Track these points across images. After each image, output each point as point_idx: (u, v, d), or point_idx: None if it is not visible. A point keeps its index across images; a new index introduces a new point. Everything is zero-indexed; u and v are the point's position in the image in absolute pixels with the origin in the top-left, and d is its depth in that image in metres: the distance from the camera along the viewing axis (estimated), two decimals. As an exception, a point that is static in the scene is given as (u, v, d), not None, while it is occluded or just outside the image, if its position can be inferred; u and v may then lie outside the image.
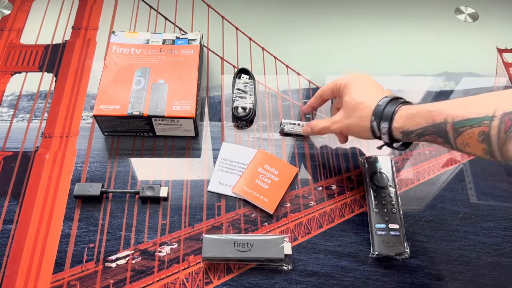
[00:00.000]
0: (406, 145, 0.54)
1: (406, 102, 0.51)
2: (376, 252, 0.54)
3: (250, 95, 0.69)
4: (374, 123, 0.51)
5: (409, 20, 0.85)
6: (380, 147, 0.56)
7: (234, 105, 0.68)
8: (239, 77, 0.71)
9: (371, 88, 0.54)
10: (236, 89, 0.69)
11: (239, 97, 0.69)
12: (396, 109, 0.50)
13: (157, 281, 0.53)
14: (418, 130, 0.48)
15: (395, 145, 0.53)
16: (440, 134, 0.46)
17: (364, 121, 0.52)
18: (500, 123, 0.41)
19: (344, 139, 0.62)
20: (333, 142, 0.67)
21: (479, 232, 0.59)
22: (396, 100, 0.51)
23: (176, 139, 0.66)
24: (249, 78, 0.71)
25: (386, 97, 0.52)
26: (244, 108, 0.68)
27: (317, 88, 0.73)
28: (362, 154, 0.65)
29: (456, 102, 0.46)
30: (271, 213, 0.59)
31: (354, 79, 0.56)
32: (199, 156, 0.64)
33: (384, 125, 0.50)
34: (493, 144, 0.42)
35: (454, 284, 0.54)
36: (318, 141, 0.67)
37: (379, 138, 0.52)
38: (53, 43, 0.77)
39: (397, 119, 0.49)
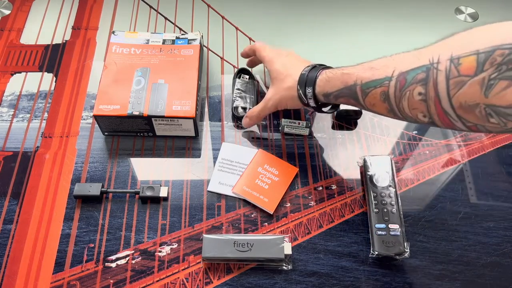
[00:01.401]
0: (334, 107, 0.59)
1: (327, 67, 0.55)
2: (376, 252, 0.54)
3: (250, 95, 0.69)
4: (300, 91, 0.55)
5: (409, 20, 0.85)
6: (321, 111, 0.59)
7: (234, 105, 0.68)
8: (239, 77, 0.71)
9: (295, 61, 0.59)
10: (236, 89, 0.69)
11: (239, 97, 0.68)
12: (318, 74, 0.53)
13: (157, 281, 0.53)
14: (335, 92, 0.51)
15: (324, 109, 0.58)
16: (352, 96, 0.50)
17: (292, 90, 0.56)
18: (396, 82, 0.43)
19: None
20: (333, 142, 0.67)
21: (479, 232, 0.59)
22: (318, 67, 0.55)
23: (176, 139, 0.66)
24: (249, 78, 0.71)
25: (308, 66, 0.55)
26: (244, 108, 0.67)
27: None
28: (362, 154, 0.65)
29: (365, 65, 0.49)
30: (271, 213, 0.59)
31: (279, 55, 0.60)
32: (199, 156, 0.64)
33: (309, 91, 0.54)
34: (392, 102, 0.45)
35: (454, 284, 0.54)
36: (318, 141, 0.67)
37: (308, 105, 0.55)
38: (53, 43, 0.77)
39: (319, 83, 0.53)
